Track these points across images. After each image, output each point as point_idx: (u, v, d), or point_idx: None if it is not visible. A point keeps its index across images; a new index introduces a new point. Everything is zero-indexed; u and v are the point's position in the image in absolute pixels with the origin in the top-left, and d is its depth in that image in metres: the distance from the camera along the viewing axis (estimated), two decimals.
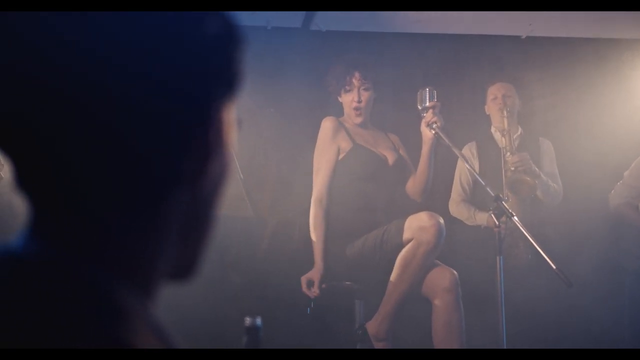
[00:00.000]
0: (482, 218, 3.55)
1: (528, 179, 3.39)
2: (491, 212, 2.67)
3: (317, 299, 3.04)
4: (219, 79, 0.60)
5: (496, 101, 3.69)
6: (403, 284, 2.88)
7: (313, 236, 3.07)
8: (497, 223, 2.65)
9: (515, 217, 2.60)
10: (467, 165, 2.99)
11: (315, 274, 3.01)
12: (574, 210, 3.82)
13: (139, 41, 0.55)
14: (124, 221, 0.56)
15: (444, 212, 3.65)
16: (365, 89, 3.19)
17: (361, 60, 3.23)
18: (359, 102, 3.18)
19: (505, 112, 3.56)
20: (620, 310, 3.65)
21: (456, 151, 2.92)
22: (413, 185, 3.23)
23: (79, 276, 0.53)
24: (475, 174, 2.88)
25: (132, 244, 0.57)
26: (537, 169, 3.50)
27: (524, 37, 4.27)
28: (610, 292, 3.63)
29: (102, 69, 0.54)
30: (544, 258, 2.48)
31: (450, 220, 3.59)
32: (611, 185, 3.85)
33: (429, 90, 2.97)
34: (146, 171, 0.56)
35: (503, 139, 3.54)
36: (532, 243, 2.54)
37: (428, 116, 2.95)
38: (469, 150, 3.73)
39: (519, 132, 3.65)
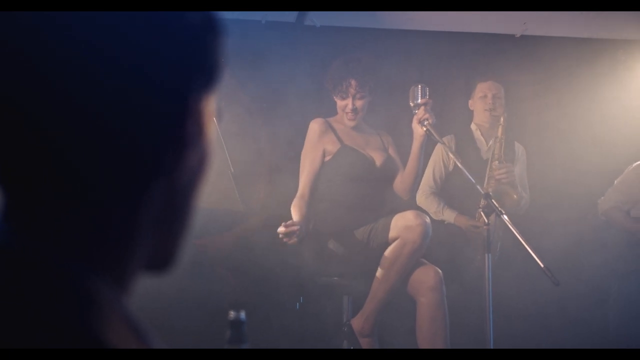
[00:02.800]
0: (450, 215, 3.55)
1: (514, 196, 3.41)
2: (480, 209, 2.68)
3: (305, 294, 3.04)
4: (197, 70, 0.59)
5: (485, 100, 3.67)
6: (388, 282, 2.89)
7: (294, 213, 3.02)
8: (486, 221, 2.66)
9: (505, 216, 2.60)
10: (458, 164, 2.96)
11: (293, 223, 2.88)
12: (564, 213, 3.82)
13: (118, 31, 0.55)
14: (101, 213, 0.56)
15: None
16: (361, 97, 3.14)
17: (360, 64, 3.16)
18: (353, 110, 3.16)
19: (502, 120, 3.56)
20: (609, 312, 3.66)
21: (447, 149, 2.92)
22: (401, 182, 3.22)
23: (53, 267, 0.53)
24: (466, 172, 2.84)
25: (109, 235, 0.56)
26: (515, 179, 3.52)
27: (518, 35, 4.26)
28: (599, 295, 3.64)
29: (81, 58, 0.53)
30: (528, 259, 2.48)
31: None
32: (603, 188, 3.84)
33: (421, 87, 2.95)
34: (123, 162, 0.56)
35: (493, 144, 3.55)
36: (520, 242, 2.53)
37: (420, 113, 2.93)
38: (447, 143, 3.72)
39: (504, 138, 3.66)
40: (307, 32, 4.06)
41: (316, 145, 3.18)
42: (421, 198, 3.67)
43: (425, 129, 2.92)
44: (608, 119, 4.15)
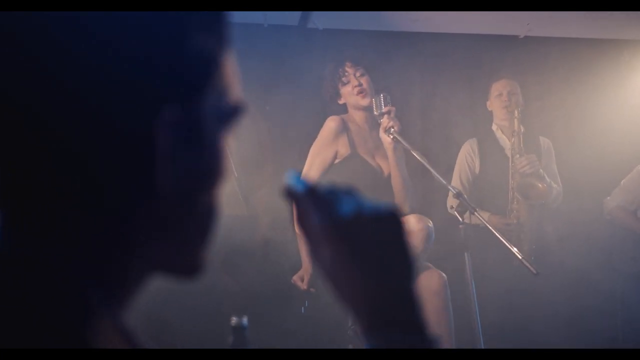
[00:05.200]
0: (483, 216, 3.53)
1: (540, 185, 3.41)
2: (454, 209, 2.69)
3: (311, 298, 3.04)
4: (179, 77, 0.55)
5: (501, 97, 3.67)
6: None
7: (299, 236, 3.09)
8: (461, 220, 2.68)
9: (477, 213, 2.63)
10: (427, 166, 2.87)
11: (304, 272, 3.06)
12: (570, 212, 3.81)
13: (103, 34, 0.52)
14: (97, 223, 0.55)
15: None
16: (361, 74, 3.18)
17: (347, 53, 3.25)
18: (360, 85, 3.16)
19: (516, 113, 3.55)
20: (614, 311, 3.64)
21: (415, 154, 2.87)
22: (394, 196, 3.20)
23: (47, 273, 0.52)
24: (436, 175, 2.75)
25: (104, 245, 0.55)
26: (542, 170, 3.50)
27: (521, 36, 4.25)
28: (604, 294, 3.63)
29: (68, 59, 0.51)
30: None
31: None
32: (608, 187, 3.84)
33: (384, 96, 3.00)
34: (118, 174, 0.54)
35: (513, 139, 3.54)
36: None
37: (384, 122, 2.97)
38: (470, 147, 3.72)
39: (521, 131, 3.65)
40: (309, 35, 4.06)
41: (330, 144, 3.16)
42: (451, 203, 3.66)
43: (392, 137, 2.94)
44: (613, 119, 4.13)
